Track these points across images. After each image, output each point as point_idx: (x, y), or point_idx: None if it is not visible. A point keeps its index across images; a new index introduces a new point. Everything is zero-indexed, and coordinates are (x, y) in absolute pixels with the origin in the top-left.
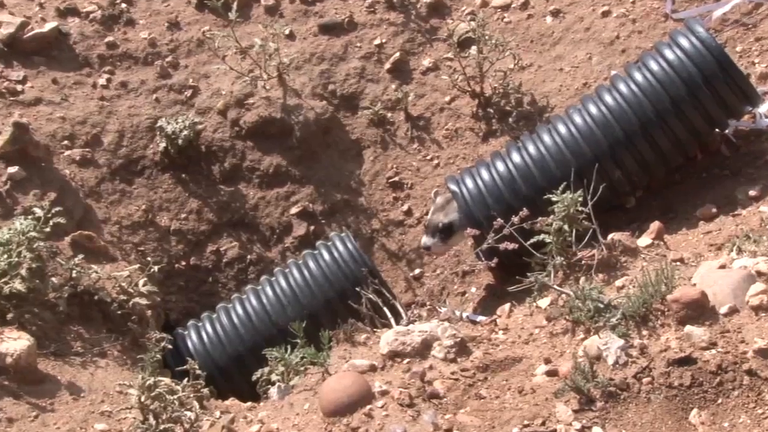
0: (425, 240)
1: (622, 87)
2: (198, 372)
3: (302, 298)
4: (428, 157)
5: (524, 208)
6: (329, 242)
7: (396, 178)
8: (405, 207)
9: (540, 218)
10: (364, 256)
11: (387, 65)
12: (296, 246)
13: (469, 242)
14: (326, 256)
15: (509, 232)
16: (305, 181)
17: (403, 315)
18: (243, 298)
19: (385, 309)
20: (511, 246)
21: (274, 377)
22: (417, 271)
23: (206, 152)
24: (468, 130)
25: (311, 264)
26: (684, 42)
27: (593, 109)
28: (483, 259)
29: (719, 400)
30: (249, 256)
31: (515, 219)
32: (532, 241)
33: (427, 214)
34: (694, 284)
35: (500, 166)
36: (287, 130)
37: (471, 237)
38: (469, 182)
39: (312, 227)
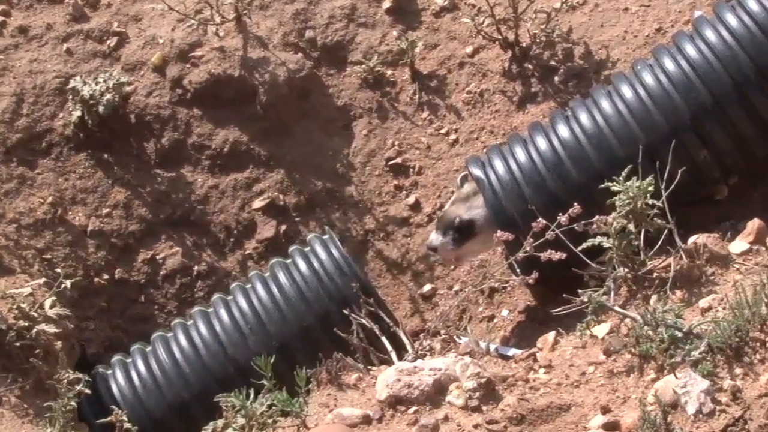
0: (433, 237)
1: (710, 35)
2: (127, 426)
3: (270, 325)
4: (443, 131)
5: (575, 202)
6: (307, 248)
7: (398, 160)
8: (411, 199)
9: (597, 216)
10: (354, 267)
11: (386, 3)
12: (261, 253)
13: (499, 249)
14: (302, 266)
15: (554, 236)
16: (273, 164)
17: (409, 347)
18: (188, 324)
19: (384, 339)
20: (556, 255)
21: None
22: (427, 287)
23: (137, 124)
24: (497, 94)
25: (282, 277)
26: None
27: (670, 65)
28: (518, 272)
29: None
30: (196, 267)
31: (562, 217)
32: (584, 246)
33: (441, 209)
34: None
35: (542, 143)
36: (249, 93)
37: (501, 242)
38: (499, 166)
39: (283, 227)
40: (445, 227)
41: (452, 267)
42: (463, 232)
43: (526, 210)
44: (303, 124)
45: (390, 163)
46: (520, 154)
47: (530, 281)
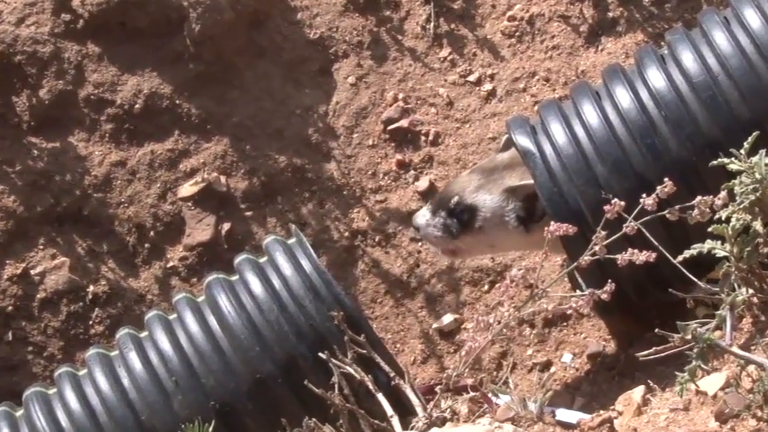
0: (420, 213)
1: None
2: None
3: (206, 376)
4: (471, 78)
5: (669, 184)
6: (262, 258)
7: (403, 123)
8: (422, 182)
9: (699, 197)
10: (334, 287)
11: None
12: (192, 265)
13: (558, 258)
14: (256, 286)
15: (634, 230)
16: (212, 129)
17: (419, 409)
18: (80, 375)
19: (380, 397)
20: (641, 256)
21: None
22: (448, 318)
23: (4, 67)
24: (556, 20)
25: (224, 304)
26: None
27: None
28: (583, 286)
29: None
30: (92, 288)
31: (648, 202)
32: (688, 254)
33: None
34: None
35: (624, 98)
36: (173, 20)
37: (558, 237)
38: (559, 132)
39: (225, 225)
40: (438, 204)
41: (485, 287)
42: (460, 219)
43: (599, 199)
44: (257, 68)
45: (390, 127)
46: (591, 114)
47: (603, 296)
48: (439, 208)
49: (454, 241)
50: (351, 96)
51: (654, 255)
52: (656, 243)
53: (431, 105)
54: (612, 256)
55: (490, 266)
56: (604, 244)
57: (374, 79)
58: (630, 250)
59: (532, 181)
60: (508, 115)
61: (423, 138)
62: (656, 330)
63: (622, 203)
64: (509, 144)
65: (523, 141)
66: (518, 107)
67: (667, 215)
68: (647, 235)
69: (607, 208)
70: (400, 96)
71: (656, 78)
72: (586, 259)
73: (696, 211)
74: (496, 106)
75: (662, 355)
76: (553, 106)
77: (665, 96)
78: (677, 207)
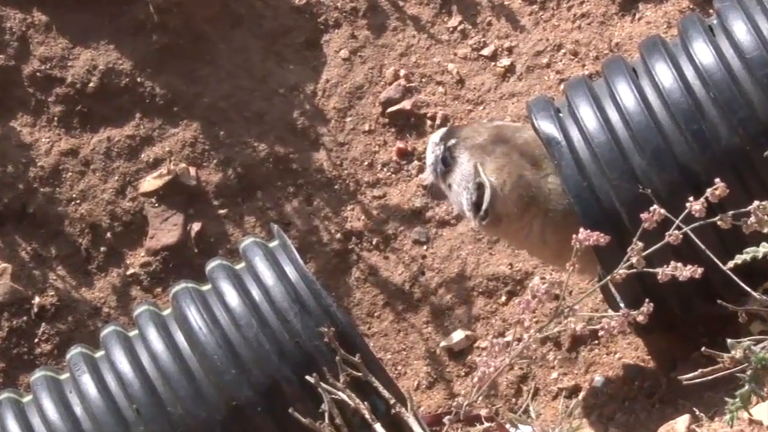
0: (437, 134)
1: None
2: None
3: (173, 404)
4: (485, 51)
5: (718, 180)
6: (239, 264)
7: (405, 104)
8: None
9: (756, 203)
10: (324, 298)
11: None
12: (156, 272)
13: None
14: (232, 298)
15: (678, 239)
16: (179, 112)
17: None
18: (24, 402)
19: (378, 427)
20: (686, 270)
21: None
22: (458, 335)
23: None
24: None
25: (194, 318)
26: None
27: None
28: (620, 301)
29: None
30: (37, 299)
31: (695, 204)
32: (740, 259)
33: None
34: None
35: (666, 76)
36: None
37: (590, 246)
38: (588, 116)
39: (195, 225)
40: (446, 135)
41: (501, 298)
42: (445, 163)
43: (635, 195)
44: (232, 40)
45: (390, 110)
46: (627, 95)
47: (641, 319)
48: (443, 140)
49: (439, 180)
50: (343, 73)
51: (701, 269)
52: (706, 250)
53: (438, 83)
54: (652, 270)
55: (508, 274)
56: (643, 255)
57: (371, 53)
58: (673, 263)
59: (492, 179)
60: (528, 95)
61: (429, 122)
62: (703, 349)
63: (662, 211)
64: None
65: (547, 126)
66: (541, 86)
67: (719, 223)
68: (696, 241)
69: (644, 216)
70: (402, 73)
71: (703, 52)
72: (621, 272)
73: (752, 219)
74: (514, 84)
75: (710, 378)
76: (581, 85)
77: (714, 74)
78: (730, 213)
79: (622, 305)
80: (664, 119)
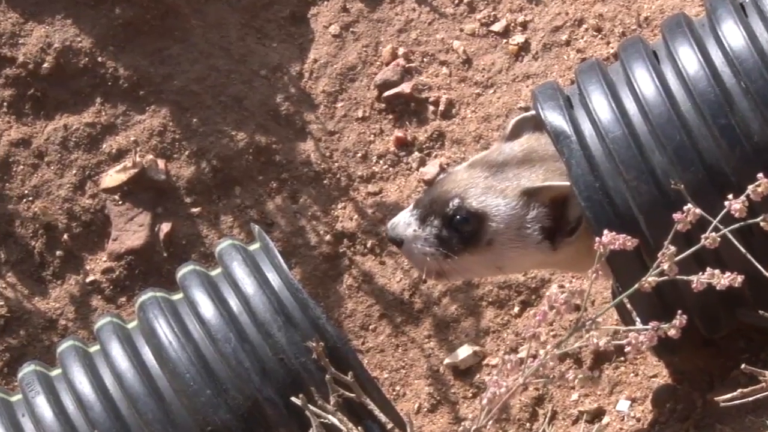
0: (401, 219)
1: None
2: None
3: (139, 429)
4: (495, 28)
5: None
6: (215, 270)
7: (403, 87)
8: (431, 167)
9: None
10: (313, 309)
11: None
12: (119, 280)
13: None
14: (207, 308)
15: (715, 243)
16: (147, 96)
17: None
18: None
19: None
20: (726, 279)
21: None
22: (465, 351)
23: None
24: None
25: (164, 332)
26: None
27: None
28: (634, 315)
29: None
30: None
31: (734, 203)
32: None
33: None
34: None
35: (689, 60)
36: None
37: (603, 254)
38: (602, 107)
39: (164, 226)
40: (428, 208)
41: (514, 309)
42: (461, 232)
43: (655, 198)
44: (206, 14)
45: (387, 93)
46: (646, 82)
47: (672, 333)
48: (431, 215)
49: (449, 261)
50: (334, 51)
51: (740, 280)
52: (747, 254)
53: (442, 63)
54: (686, 278)
55: (521, 281)
56: (673, 261)
57: (365, 29)
58: (709, 270)
59: (560, 182)
60: (545, 77)
61: (431, 108)
62: (743, 366)
63: (698, 211)
64: (518, 130)
65: (555, 118)
66: (559, 67)
67: (762, 224)
68: (739, 247)
69: (677, 216)
70: (400, 51)
71: (733, 35)
72: (650, 280)
73: None
74: (529, 64)
75: (751, 399)
76: (594, 70)
77: (745, 60)
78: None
79: (637, 322)
80: (689, 112)
